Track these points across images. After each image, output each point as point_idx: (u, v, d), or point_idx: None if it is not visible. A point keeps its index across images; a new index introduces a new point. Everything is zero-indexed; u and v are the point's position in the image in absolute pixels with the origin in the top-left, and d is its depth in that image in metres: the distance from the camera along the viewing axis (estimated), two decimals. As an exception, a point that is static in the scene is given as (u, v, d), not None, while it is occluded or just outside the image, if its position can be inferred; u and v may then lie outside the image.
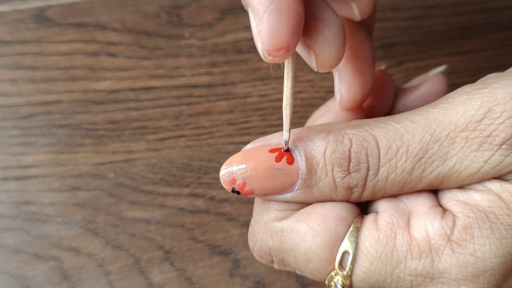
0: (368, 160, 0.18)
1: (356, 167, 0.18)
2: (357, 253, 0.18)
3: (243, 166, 0.18)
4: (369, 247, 0.17)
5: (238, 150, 0.30)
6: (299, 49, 0.19)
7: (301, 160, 0.18)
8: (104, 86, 0.31)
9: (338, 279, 0.18)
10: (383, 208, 0.18)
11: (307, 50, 0.18)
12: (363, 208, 0.20)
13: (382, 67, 0.26)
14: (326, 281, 0.18)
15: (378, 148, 0.18)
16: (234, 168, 0.18)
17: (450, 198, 0.18)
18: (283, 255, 0.19)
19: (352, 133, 0.18)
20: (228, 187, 0.18)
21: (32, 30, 0.32)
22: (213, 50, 0.32)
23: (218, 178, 0.30)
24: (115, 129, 0.30)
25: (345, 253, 0.18)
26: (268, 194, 0.18)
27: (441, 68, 0.25)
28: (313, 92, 0.32)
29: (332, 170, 0.18)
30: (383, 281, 0.17)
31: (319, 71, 0.18)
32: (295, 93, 0.31)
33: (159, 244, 0.29)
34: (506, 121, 0.16)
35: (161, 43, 0.32)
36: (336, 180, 0.18)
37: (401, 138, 0.18)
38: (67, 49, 0.31)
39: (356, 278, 0.18)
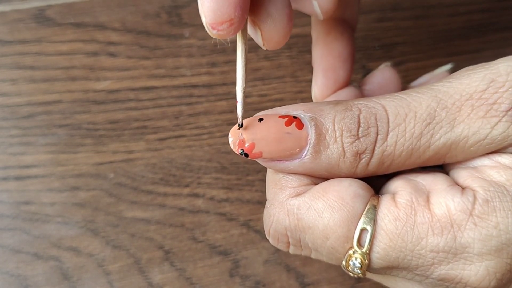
0: (377, 124, 0.18)
1: (366, 131, 0.18)
2: (376, 230, 0.17)
3: (253, 128, 0.18)
4: (388, 224, 0.17)
5: (238, 150, 0.30)
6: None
7: (310, 126, 0.18)
8: (104, 86, 0.31)
9: (357, 257, 0.17)
10: (401, 187, 0.18)
11: (253, 26, 0.18)
12: (376, 191, 0.19)
13: (388, 64, 0.26)
14: (343, 262, 0.18)
15: (387, 113, 0.18)
16: (244, 131, 0.18)
17: (467, 176, 0.18)
18: (300, 234, 0.18)
19: (361, 103, 0.18)
20: (236, 149, 0.18)
21: (32, 30, 0.32)
22: (213, 50, 0.32)
23: (218, 178, 0.30)
24: (115, 129, 0.30)
25: (363, 230, 0.17)
26: (276, 159, 0.18)
27: (448, 66, 0.25)
28: (313, 92, 0.32)
29: (341, 135, 0.18)
30: (403, 258, 0.17)
31: (267, 49, 0.18)
32: (295, 93, 0.32)
33: (159, 244, 0.29)
34: (509, 90, 0.17)
35: (161, 43, 0.32)
36: (344, 145, 0.18)
37: (408, 105, 0.18)
38: (67, 49, 0.31)
39: (375, 256, 0.17)
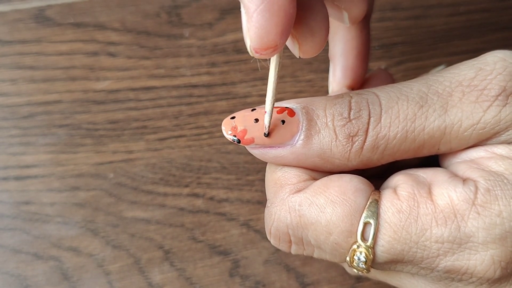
0: (369, 107, 0.18)
1: (357, 113, 0.18)
2: (379, 223, 0.17)
3: (246, 116, 0.19)
4: (391, 217, 0.17)
5: (238, 150, 0.30)
6: None
7: (301, 114, 0.18)
8: (104, 86, 0.31)
9: (362, 251, 0.17)
10: (402, 180, 0.18)
11: (291, 39, 0.18)
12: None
13: (382, 66, 0.26)
14: (347, 258, 0.18)
15: (379, 98, 0.18)
16: (236, 118, 0.19)
17: (466, 168, 0.18)
18: (302, 231, 0.18)
19: (352, 93, 0.19)
20: (228, 136, 0.19)
21: (32, 30, 0.32)
22: (213, 50, 0.32)
23: (218, 178, 0.30)
24: (115, 129, 0.30)
25: (366, 224, 0.17)
26: (268, 145, 0.18)
27: (440, 67, 0.26)
28: (313, 92, 0.32)
29: (333, 120, 0.18)
30: (408, 250, 0.17)
31: (301, 57, 0.18)
32: (295, 93, 0.32)
33: (159, 244, 0.29)
34: (497, 77, 0.17)
35: (161, 43, 0.32)
36: (336, 128, 0.18)
37: (399, 90, 0.18)
38: (67, 49, 0.31)
39: (379, 249, 0.17)
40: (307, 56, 0.18)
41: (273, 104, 0.18)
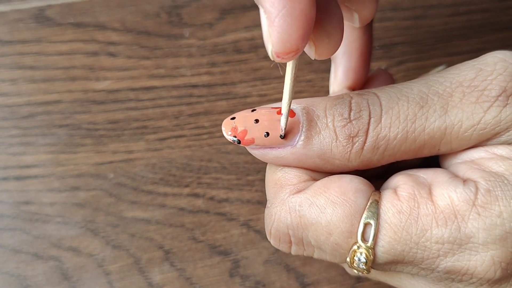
0: (369, 107, 0.18)
1: (357, 114, 0.18)
2: (380, 224, 0.17)
3: (246, 116, 0.19)
4: (392, 217, 0.17)
5: (238, 150, 0.30)
6: None
7: (302, 114, 0.18)
8: (104, 86, 0.31)
9: (362, 252, 0.17)
10: (402, 181, 0.18)
11: (308, 41, 0.18)
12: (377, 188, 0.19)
13: (383, 67, 0.26)
14: (348, 258, 0.18)
15: (379, 98, 0.18)
16: (237, 118, 0.19)
17: (467, 169, 0.18)
18: (302, 231, 0.18)
19: (352, 93, 0.19)
20: (229, 136, 0.19)
21: (32, 30, 0.32)
22: (213, 50, 0.32)
23: (218, 178, 0.30)
24: (115, 129, 0.30)
25: (367, 224, 0.17)
26: (268, 146, 0.18)
27: (441, 67, 0.26)
28: (313, 92, 0.32)
29: (333, 120, 0.18)
30: (408, 251, 0.17)
31: (316, 59, 0.18)
32: (295, 93, 0.31)
33: (159, 244, 0.29)
34: (498, 77, 0.18)
35: (161, 43, 0.32)
36: (336, 128, 0.18)
37: (400, 91, 0.18)
38: (67, 49, 0.31)
39: (380, 250, 0.17)
40: (322, 58, 0.18)
41: (290, 106, 0.18)
